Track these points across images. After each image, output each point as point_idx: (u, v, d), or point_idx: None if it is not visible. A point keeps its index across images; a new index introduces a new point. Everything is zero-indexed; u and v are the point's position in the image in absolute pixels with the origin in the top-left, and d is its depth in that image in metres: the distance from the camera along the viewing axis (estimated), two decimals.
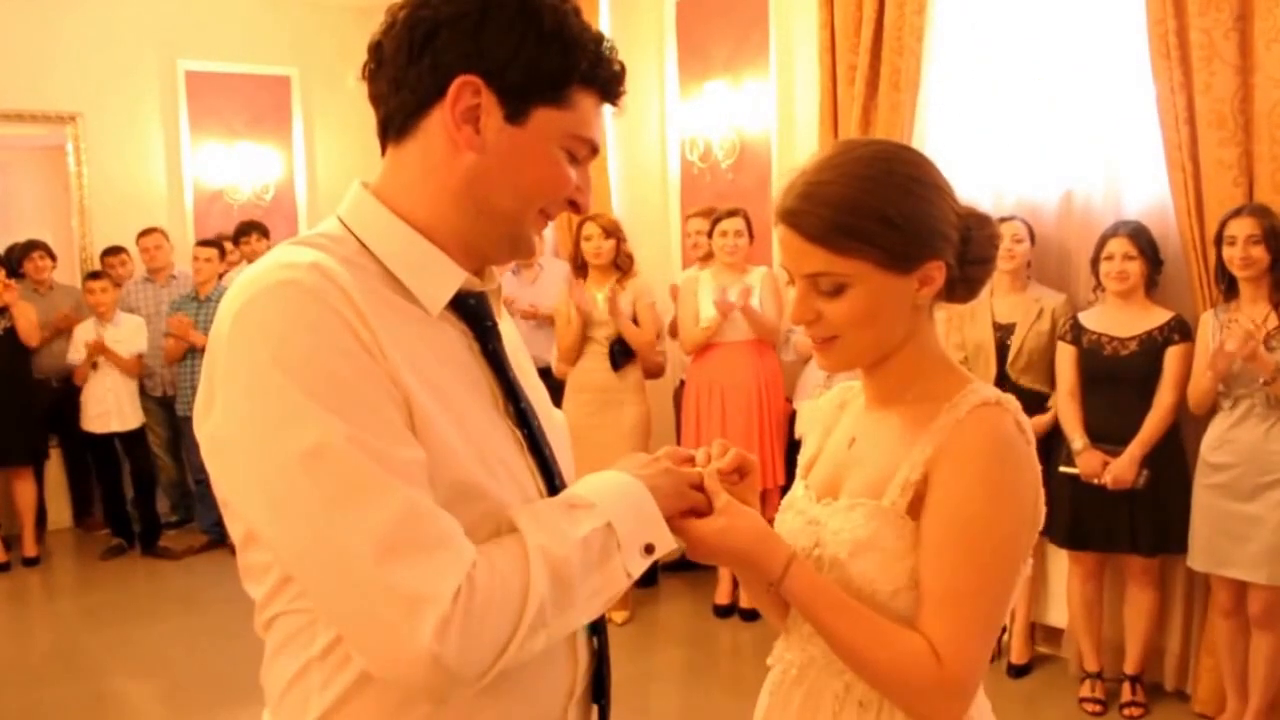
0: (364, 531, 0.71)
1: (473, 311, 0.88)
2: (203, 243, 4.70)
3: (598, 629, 0.93)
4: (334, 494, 0.71)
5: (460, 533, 0.75)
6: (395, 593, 0.70)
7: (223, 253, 4.73)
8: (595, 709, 0.94)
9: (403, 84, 0.83)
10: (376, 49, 0.85)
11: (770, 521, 1.01)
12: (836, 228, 0.92)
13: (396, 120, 0.84)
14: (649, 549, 0.85)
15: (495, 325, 0.90)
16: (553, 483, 0.89)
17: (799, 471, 1.12)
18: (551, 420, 0.95)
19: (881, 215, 0.92)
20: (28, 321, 4.50)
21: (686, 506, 0.92)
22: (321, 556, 0.72)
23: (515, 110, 0.82)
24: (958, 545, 0.91)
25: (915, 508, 0.94)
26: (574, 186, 0.87)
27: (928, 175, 0.96)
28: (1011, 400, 0.96)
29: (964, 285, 1.00)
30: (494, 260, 0.90)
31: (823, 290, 0.95)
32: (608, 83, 0.86)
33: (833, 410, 1.13)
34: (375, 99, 0.86)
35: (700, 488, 0.94)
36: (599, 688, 0.94)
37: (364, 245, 0.84)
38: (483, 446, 0.82)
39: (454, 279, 0.85)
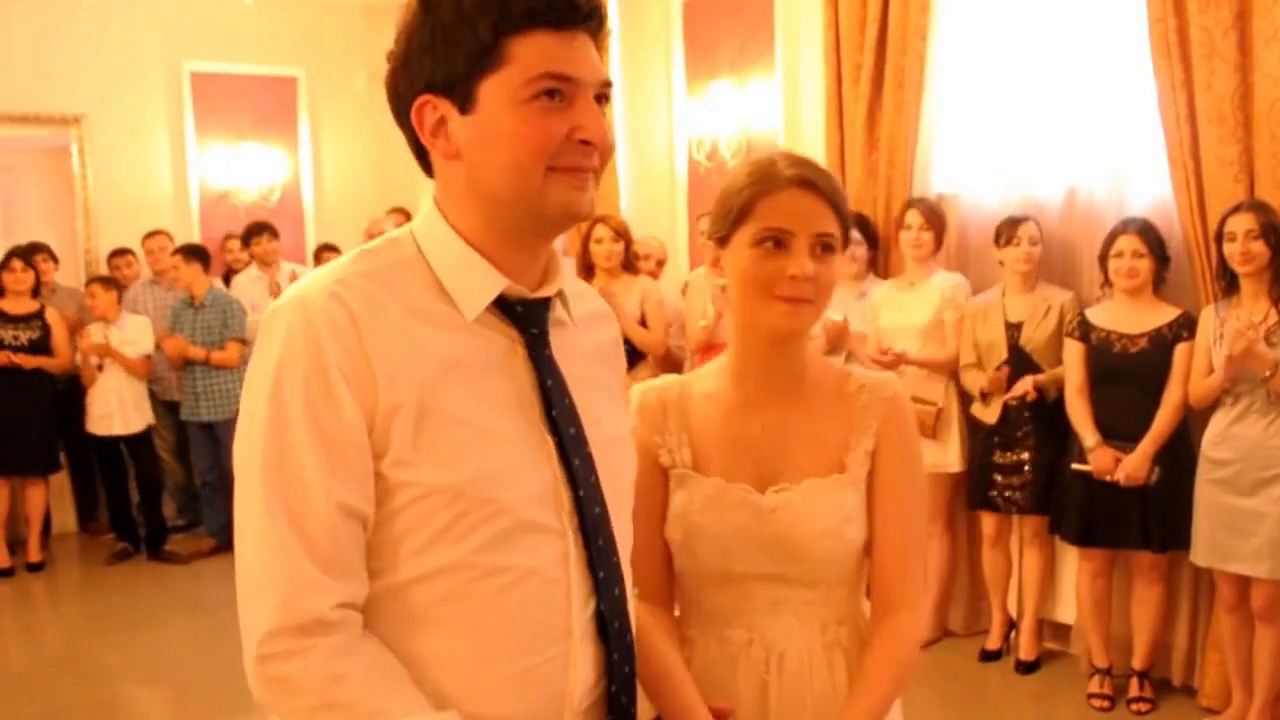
0: (249, 556, 0.83)
1: (520, 318, 0.90)
2: (176, 251, 4.61)
3: (607, 636, 0.91)
4: (242, 512, 0.84)
5: (315, 584, 0.80)
6: (246, 617, 0.83)
7: (206, 263, 4.57)
8: None
9: (410, 140, 0.91)
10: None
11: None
12: (842, 198, 1.11)
13: (424, 167, 0.93)
14: None
15: (543, 332, 0.91)
16: (577, 493, 0.89)
17: (684, 470, 1.15)
18: (605, 432, 0.94)
19: (845, 200, 1.12)
20: (61, 365, 4.46)
21: None
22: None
23: (465, 100, 0.84)
24: (911, 499, 1.16)
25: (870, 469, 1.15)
26: (566, 129, 0.83)
27: None
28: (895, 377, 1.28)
29: None
30: (543, 238, 0.91)
31: (818, 252, 1.08)
32: (541, 13, 0.82)
33: (661, 408, 1.18)
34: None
35: None
36: (614, 703, 0.92)
37: (420, 251, 0.90)
38: (498, 451, 0.85)
39: (493, 286, 0.88)
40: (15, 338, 4.39)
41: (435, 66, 0.84)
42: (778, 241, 1.07)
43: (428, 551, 0.83)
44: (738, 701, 1.11)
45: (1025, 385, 2.96)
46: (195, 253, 4.60)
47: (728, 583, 1.13)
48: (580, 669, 0.89)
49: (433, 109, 0.85)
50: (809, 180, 1.07)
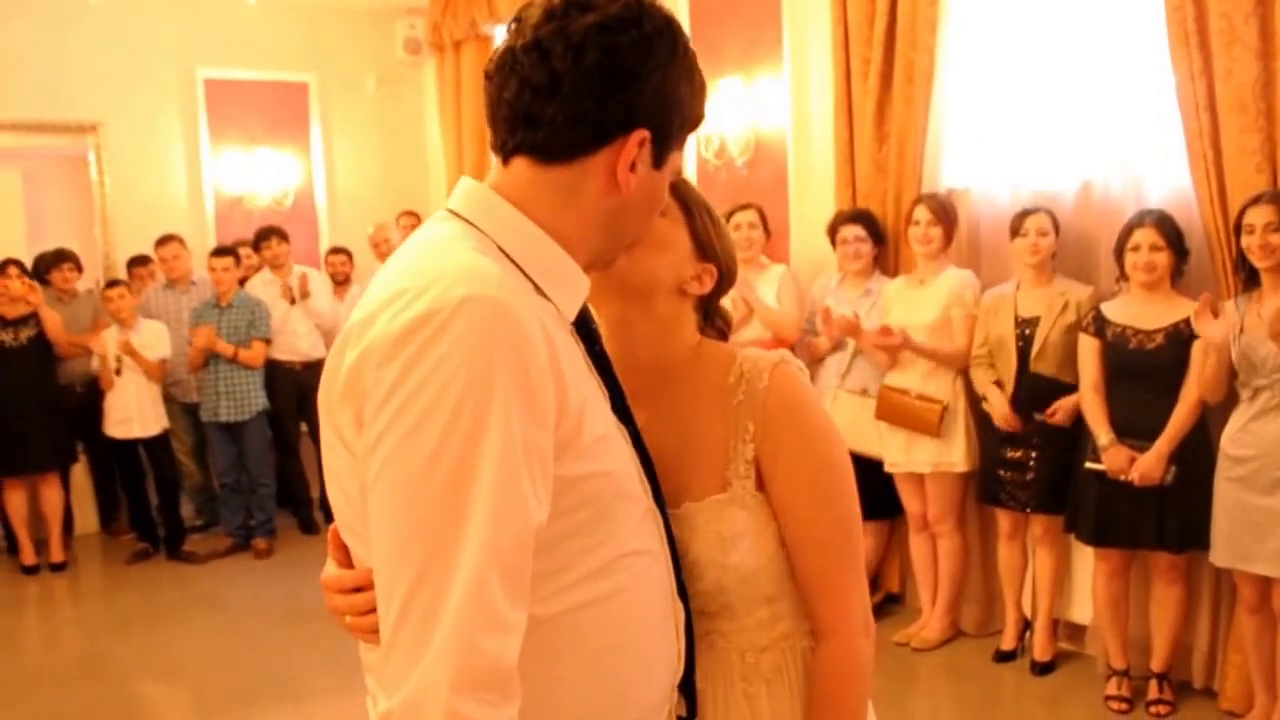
0: (430, 583, 0.75)
1: (581, 315, 0.93)
2: (217, 252, 4.71)
3: (684, 597, 0.97)
4: (423, 533, 0.78)
5: (505, 626, 0.73)
6: (422, 661, 0.74)
7: (237, 259, 4.75)
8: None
9: (580, 120, 0.82)
10: (550, 71, 0.81)
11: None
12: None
13: (554, 148, 0.83)
14: None
15: (597, 329, 0.96)
16: (654, 477, 0.94)
17: None
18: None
19: (714, 216, 1.07)
20: (55, 325, 4.56)
21: None
22: None
23: (661, 157, 0.88)
24: (816, 511, 0.99)
25: (759, 479, 1.00)
26: None
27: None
28: (787, 351, 1.05)
29: (708, 319, 1.10)
30: (600, 265, 0.96)
31: None
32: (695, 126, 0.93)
33: None
34: (529, 118, 0.83)
35: None
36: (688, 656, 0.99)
37: (501, 249, 0.84)
38: (617, 438, 0.89)
39: (584, 286, 0.91)
40: (15, 337, 4.49)
41: (673, 117, 0.86)
42: None
43: (601, 544, 0.85)
44: None
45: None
46: (237, 256, 4.73)
47: None
48: (681, 631, 0.96)
49: (641, 144, 0.84)
50: None
